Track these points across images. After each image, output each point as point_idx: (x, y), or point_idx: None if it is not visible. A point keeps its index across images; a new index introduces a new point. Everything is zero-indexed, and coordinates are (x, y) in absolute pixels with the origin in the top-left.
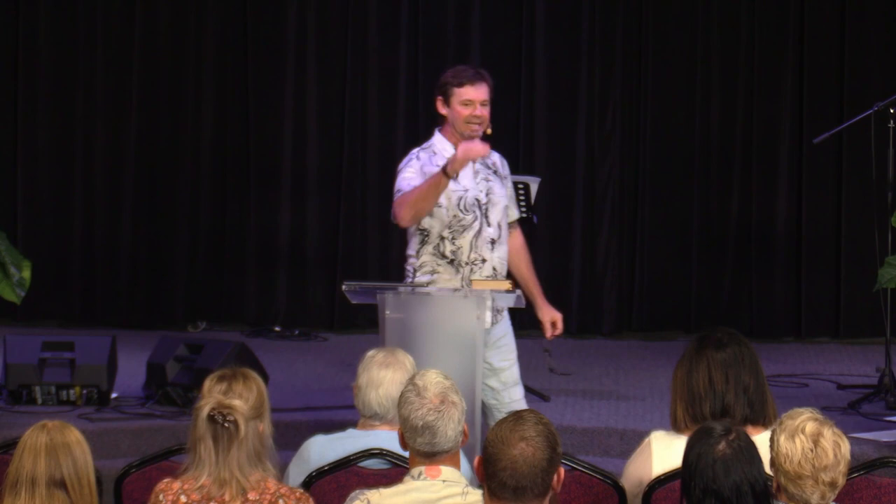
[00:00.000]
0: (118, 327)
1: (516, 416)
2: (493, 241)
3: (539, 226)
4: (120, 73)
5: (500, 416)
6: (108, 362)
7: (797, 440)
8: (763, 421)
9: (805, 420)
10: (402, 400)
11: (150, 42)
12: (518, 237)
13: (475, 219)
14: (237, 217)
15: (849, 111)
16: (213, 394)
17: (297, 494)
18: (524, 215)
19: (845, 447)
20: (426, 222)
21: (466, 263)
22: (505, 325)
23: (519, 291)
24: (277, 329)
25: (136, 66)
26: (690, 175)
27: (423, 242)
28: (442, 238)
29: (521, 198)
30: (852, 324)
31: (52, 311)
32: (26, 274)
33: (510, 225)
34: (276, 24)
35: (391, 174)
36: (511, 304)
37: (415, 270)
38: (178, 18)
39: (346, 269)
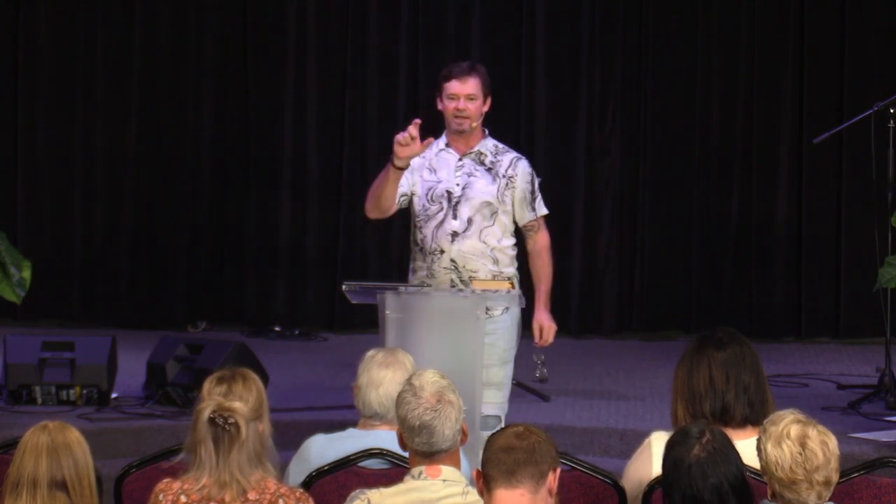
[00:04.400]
0: (118, 327)
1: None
2: (454, 234)
3: None
4: (120, 73)
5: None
6: (108, 362)
7: (784, 446)
8: (763, 421)
9: (788, 424)
10: (399, 400)
11: (150, 42)
12: (536, 240)
13: (440, 210)
14: (237, 217)
15: (849, 111)
16: (212, 396)
17: (297, 494)
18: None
19: (833, 444)
20: (413, 210)
21: (430, 252)
22: (494, 325)
23: (516, 291)
24: (277, 329)
25: (136, 66)
26: (690, 175)
27: (412, 228)
28: (415, 226)
29: None
30: (852, 324)
31: (52, 311)
32: (26, 274)
33: (527, 227)
34: (276, 24)
35: None
36: (511, 304)
37: (410, 254)
38: (178, 18)
39: (346, 269)
